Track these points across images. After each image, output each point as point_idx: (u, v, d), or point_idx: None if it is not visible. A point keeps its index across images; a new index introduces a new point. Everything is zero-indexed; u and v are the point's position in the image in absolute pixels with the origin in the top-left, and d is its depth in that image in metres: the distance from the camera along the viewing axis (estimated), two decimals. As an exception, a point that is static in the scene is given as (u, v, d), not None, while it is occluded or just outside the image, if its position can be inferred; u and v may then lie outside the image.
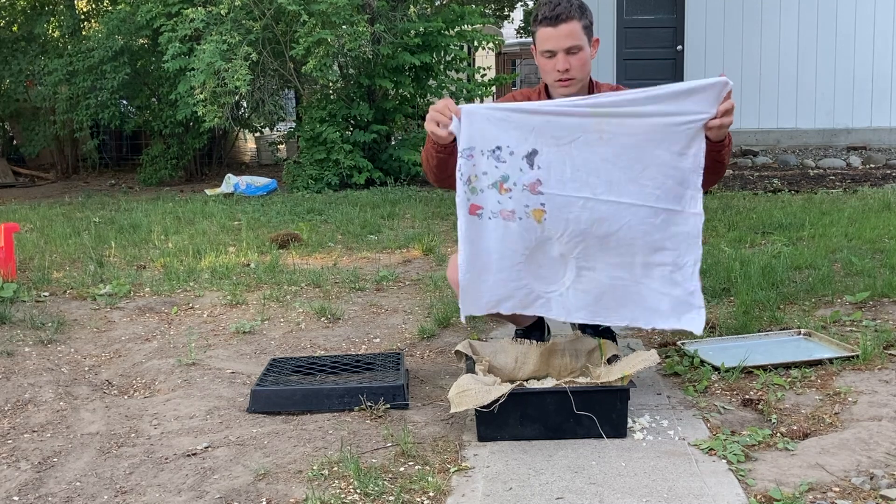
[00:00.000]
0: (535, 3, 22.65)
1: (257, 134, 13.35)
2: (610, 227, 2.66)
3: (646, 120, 2.59)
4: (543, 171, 2.64)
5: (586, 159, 2.63)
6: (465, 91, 10.42)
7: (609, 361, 2.82)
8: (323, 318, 4.04)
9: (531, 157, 2.64)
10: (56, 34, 11.97)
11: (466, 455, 2.54)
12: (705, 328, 3.67)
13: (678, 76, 11.68)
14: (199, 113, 9.05)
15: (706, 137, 2.65)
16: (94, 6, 12.63)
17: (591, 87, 2.93)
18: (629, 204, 2.65)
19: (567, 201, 2.65)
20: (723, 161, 2.81)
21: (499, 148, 2.64)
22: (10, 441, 2.79)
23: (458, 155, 2.67)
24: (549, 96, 2.93)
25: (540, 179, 2.64)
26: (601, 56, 11.24)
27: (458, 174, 2.67)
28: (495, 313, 2.92)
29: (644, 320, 2.78)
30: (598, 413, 2.58)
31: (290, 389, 2.97)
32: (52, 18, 11.92)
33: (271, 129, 12.61)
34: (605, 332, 3.20)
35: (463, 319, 2.86)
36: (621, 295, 2.73)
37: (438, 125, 2.68)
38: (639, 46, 11.72)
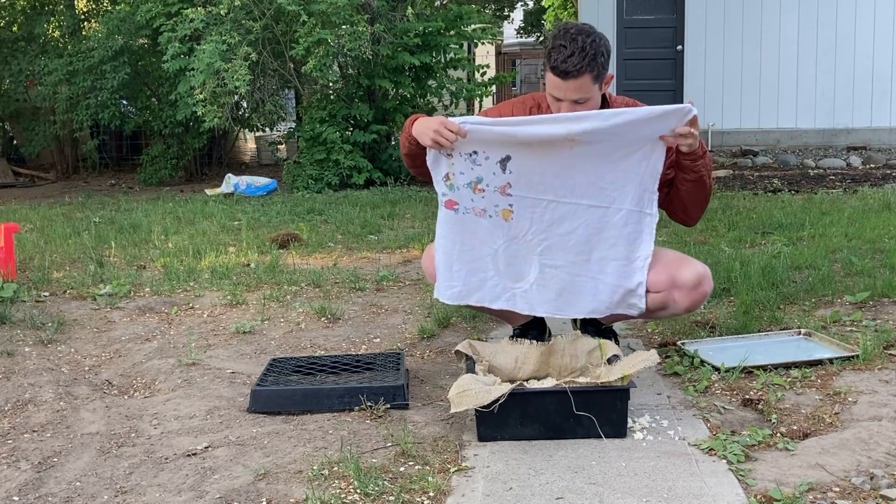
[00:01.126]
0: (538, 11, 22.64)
1: (257, 134, 13.36)
2: (570, 226, 2.86)
3: (613, 137, 2.75)
4: (514, 175, 2.80)
5: (554, 165, 2.79)
6: (464, 91, 10.41)
7: (609, 361, 2.82)
8: (323, 318, 4.04)
9: (504, 162, 2.79)
10: (56, 34, 11.97)
11: (466, 455, 2.54)
12: (705, 328, 3.68)
13: (678, 76, 11.70)
14: (199, 113, 9.05)
15: (679, 150, 2.83)
16: (94, 6, 12.63)
17: (605, 104, 2.93)
18: (588, 205, 2.84)
19: (532, 202, 2.84)
20: (699, 173, 2.91)
21: (475, 153, 2.78)
22: (10, 441, 2.79)
23: (438, 152, 2.81)
24: None
25: (510, 183, 2.81)
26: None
27: (437, 168, 2.83)
28: (478, 307, 3.07)
29: (599, 312, 2.98)
30: (598, 413, 2.58)
31: (290, 389, 2.97)
32: (52, 18, 11.92)
33: (271, 129, 12.62)
34: (605, 333, 3.20)
35: (436, 295, 3.01)
36: (580, 290, 2.94)
37: (440, 144, 2.75)
38: (639, 46, 11.72)
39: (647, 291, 2.92)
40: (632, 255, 2.88)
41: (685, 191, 2.97)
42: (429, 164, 2.84)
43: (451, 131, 2.70)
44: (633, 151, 2.77)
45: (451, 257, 2.93)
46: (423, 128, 2.78)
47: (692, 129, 2.71)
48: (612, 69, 12.96)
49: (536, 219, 2.85)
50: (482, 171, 2.79)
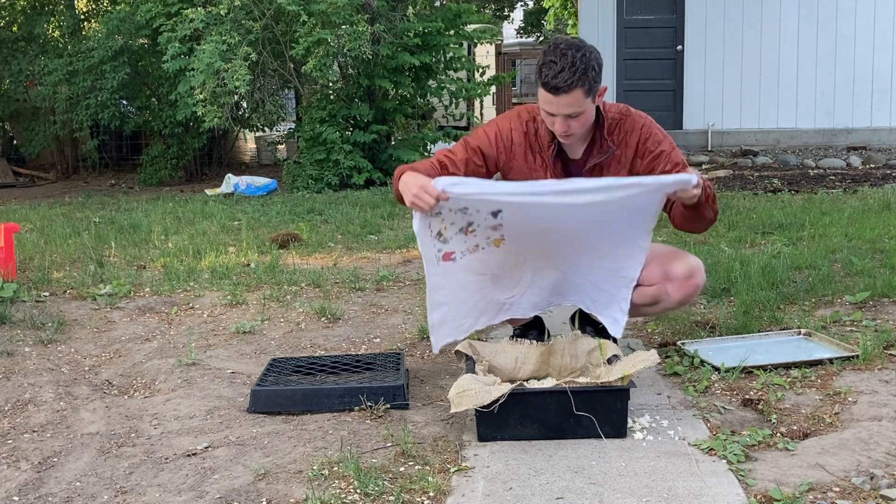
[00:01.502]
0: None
1: (257, 134, 13.35)
2: (563, 237, 2.87)
3: (612, 200, 2.76)
4: (505, 220, 2.80)
5: (548, 217, 2.79)
6: (464, 91, 10.40)
7: (609, 361, 2.82)
8: (323, 318, 4.04)
9: (496, 213, 2.79)
10: (56, 34, 11.96)
11: (466, 455, 2.54)
12: (705, 328, 3.68)
13: (678, 76, 11.70)
14: (199, 113, 9.05)
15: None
16: (94, 6, 12.63)
17: (598, 112, 2.93)
18: (580, 228, 2.84)
19: (525, 229, 2.84)
20: (703, 213, 2.92)
21: (466, 208, 2.77)
22: (10, 441, 2.79)
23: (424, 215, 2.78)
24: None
25: (502, 224, 2.81)
26: (602, 55, 11.24)
27: (427, 231, 2.78)
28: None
29: (584, 305, 3.09)
30: (598, 413, 2.58)
31: (290, 389, 2.97)
32: (52, 18, 11.91)
33: (271, 129, 12.62)
34: (604, 332, 3.20)
35: (435, 351, 3.02)
36: (570, 284, 3.02)
37: (419, 207, 2.72)
38: (639, 46, 11.72)
39: (641, 286, 2.98)
40: (620, 270, 2.92)
41: (687, 221, 2.99)
42: (415, 229, 2.79)
43: (431, 196, 2.66)
44: (633, 203, 2.78)
45: (456, 302, 2.94)
46: (405, 186, 2.75)
47: (696, 191, 2.71)
48: (612, 69, 12.88)
49: (530, 238, 2.86)
50: (472, 218, 2.78)
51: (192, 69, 8.91)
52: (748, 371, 3.09)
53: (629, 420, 2.64)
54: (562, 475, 2.37)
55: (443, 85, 10.28)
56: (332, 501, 2.25)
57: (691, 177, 2.69)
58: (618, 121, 2.95)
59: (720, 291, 4.20)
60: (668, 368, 3.18)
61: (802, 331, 3.48)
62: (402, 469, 2.46)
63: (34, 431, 2.86)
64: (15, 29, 12.12)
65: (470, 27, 10.79)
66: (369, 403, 2.90)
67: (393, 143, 10.31)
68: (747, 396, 2.88)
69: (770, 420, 2.69)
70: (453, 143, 10.91)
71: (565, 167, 2.99)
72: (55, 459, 2.63)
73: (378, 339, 3.76)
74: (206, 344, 3.74)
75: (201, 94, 8.87)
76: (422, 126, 10.60)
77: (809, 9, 11.43)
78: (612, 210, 2.76)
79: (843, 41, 11.42)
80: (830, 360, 3.14)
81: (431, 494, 2.29)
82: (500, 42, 18.10)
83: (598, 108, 2.90)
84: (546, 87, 2.75)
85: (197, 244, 5.86)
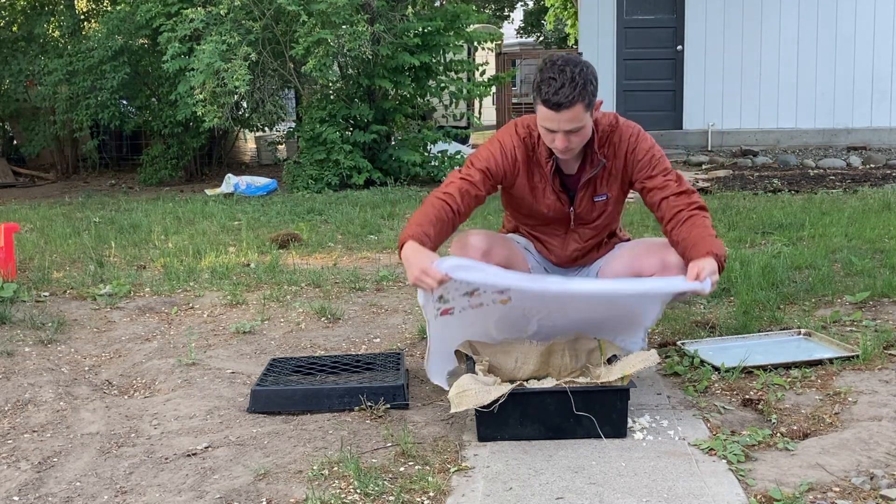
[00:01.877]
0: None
1: (257, 134, 13.35)
2: (573, 307, 2.88)
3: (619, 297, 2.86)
4: (514, 295, 2.82)
5: (554, 298, 2.81)
6: (464, 91, 10.40)
7: (609, 361, 2.83)
8: (323, 318, 4.04)
9: (503, 292, 2.81)
10: (56, 34, 11.96)
11: (466, 455, 2.54)
12: (705, 328, 3.68)
13: (678, 76, 11.70)
14: (199, 113, 9.05)
15: None
16: (94, 6, 12.63)
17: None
18: (591, 302, 2.88)
19: (534, 299, 2.85)
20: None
21: (475, 289, 2.79)
22: (10, 441, 2.79)
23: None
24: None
25: (510, 298, 2.82)
26: (602, 55, 11.26)
27: (430, 300, 2.79)
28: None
29: (594, 334, 3.01)
30: (598, 413, 2.58)
31: (290, 389, 2.97)
32: (52, 18, 11.91)
33: (271, 129, 12.62)
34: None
35: (433, 380, 3.02)
36: (576, 326, 2.99)
37: (421, 288, 2.73)
38: (639, 46, 11.72)
39: (640, 276, 2.99)
40: (633, 319, 2.96)
41: None
42: (420, 302, 2.83)
43: (434, 279, 2.66)
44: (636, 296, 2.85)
45: (449, 344, 2.95)
46: (407, 263, 2.75)
47: (709, 290, 2.70)
48: (612, 69, 12.82)
49: (535, 302, 2.88)
50: (478, 288, 2.79)
51: (192, 69, 8.91)
52: (748, 371, 3.09)
53: (629, 420, 2.64)
54: (562, 475, 2.37)
55: (443, 85, 10.27)
56: (332, 501, 2.25)
57: (704, 285, 2.67)
58: (608, 133, 2.97)
59: (720, 291, 4.20)
60: (668, 368, 3.18)
61: (802, 331, 3.48)
62: (402, 469, 2.46)
63: (34, 431, 2.86)
64: (15, 29, 12.11)
65: (470, 28, 10.78)
66: (369, 403, 2.90)
67: (393, 143, 10.30)
68: (747, 396, 2.88)
69: (770, 420, 2.69)
70: (453, 142, 10.98)
71: (562, 182, 3.02)
72: (55, 459, 2.63)
73: (378, 339, 3.77)
74: (206, 344, 3.74)
75: (201, 94, 8.87)
76: (422, 126, 10.60)
77: (809, 9, 11.44)
78: (622, 294, 2.84)
79: (843, 41, 11.43)
80: (830, 360, 3.14)
81: (431, 494, 2.29)
82: (499, 42, 18.09)
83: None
84: (547, 103, 2.75)
85: (197, 244, 5.86)
